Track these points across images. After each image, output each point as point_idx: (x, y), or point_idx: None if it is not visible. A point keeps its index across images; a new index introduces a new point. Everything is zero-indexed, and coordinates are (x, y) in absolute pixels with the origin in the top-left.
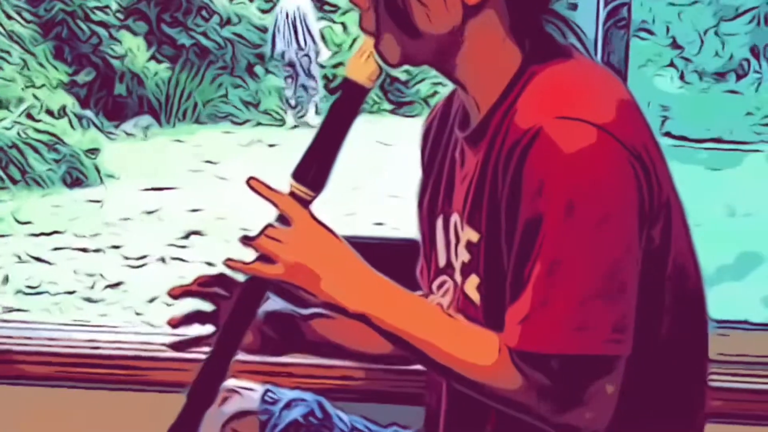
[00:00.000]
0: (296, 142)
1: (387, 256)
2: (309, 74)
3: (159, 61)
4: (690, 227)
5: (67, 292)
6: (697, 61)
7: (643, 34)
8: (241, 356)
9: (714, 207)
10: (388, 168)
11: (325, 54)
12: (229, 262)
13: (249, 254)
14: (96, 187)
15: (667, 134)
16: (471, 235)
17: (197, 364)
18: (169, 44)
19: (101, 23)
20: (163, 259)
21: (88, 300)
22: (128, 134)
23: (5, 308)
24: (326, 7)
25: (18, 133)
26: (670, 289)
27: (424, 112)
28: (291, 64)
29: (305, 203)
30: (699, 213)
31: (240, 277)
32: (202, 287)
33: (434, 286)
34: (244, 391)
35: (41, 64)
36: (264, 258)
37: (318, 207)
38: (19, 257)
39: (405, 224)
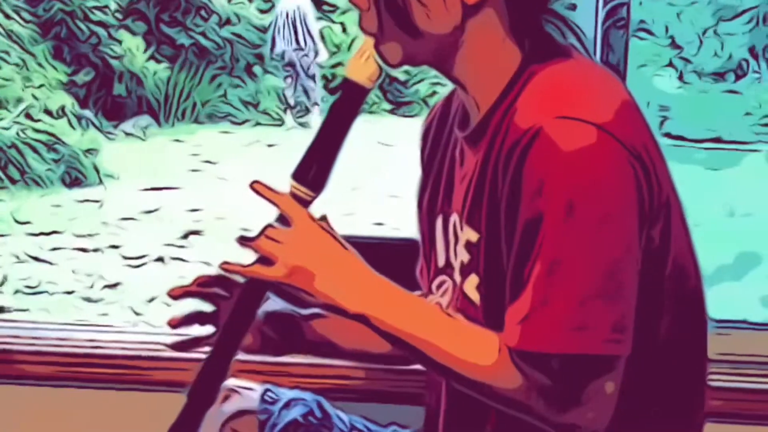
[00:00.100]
0: (295, 142)
1: (386, 256)
2: (308, 74)
3: (158, 61)
4: (689, 227)
5: (66, 292)
6: (696, 61)
7: (642, 34)
8: (240, 356)
9: (713, 207)
10: (387, 168)
11: (324, 55)
12: (225, 266)
13: (247, 255)
14: (95, 187)
15: (667, 134)
16: (470, 234)
17: (197, 364)
18: (168, 44)
19: (100, 23)
20: (162, 259)
21: (87, 300)
22: (127, 134)
23: (4, 308)
24: (325, 7)
25: (17, 133)
26: (670, 289)
27: (423, 112)
28: (291, 64)
29: (305, 204)
30: (698, 213)
31: (240, 278)
32: (202, 287)
33: (433, 285)
34: (244, 391)
35: (40, 64)
36: (263, 259)
37: (317, 207)
38: (18, 257)
39: (404, 224)
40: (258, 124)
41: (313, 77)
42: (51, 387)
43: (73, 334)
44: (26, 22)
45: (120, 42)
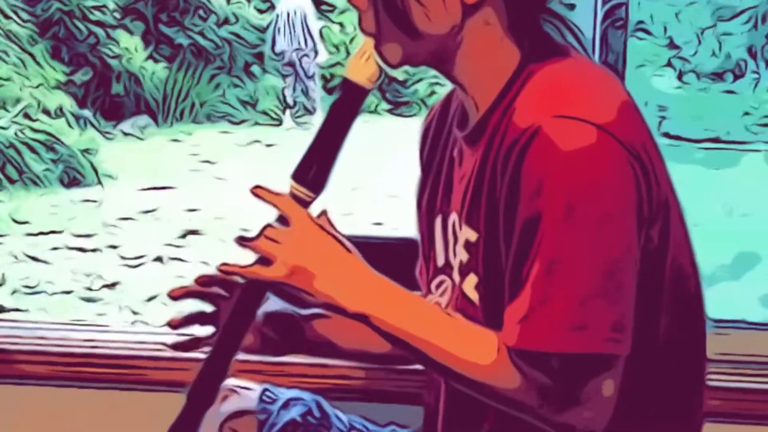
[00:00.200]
0: (294, 142)
1: (386, 255)
2: (308, 75)
3: (156, 61)
4: (688, 227)
5: (64, 292)
6: (695, 62)
7: (640, 34)
8: (240, 356)
9: (712, 207)
10: (386, 168)
11: (324, 56)
12: (223, 267)
13: (246, 255)
14: (93, 187)
15: (665, 134)
16: (469, 234)
17: (197, 364)
18: (166, 44)
19: (98, 23)
20: (160, 259)
21: (86, 300)
22: (126, 134)
23: (3, 308)
24: (324, 7)
25: (15, 133)
26: (669, 288)
27: (421, 112)
28: (290, 64)
29: (305, 204)
30: (697, 213)
31: (240, 278)
32: (202, 287)
33: (433, 285)
34: (242, 391)
35: (38, 64)
36: (263, 259)
37: (317, 207)
38: (17, 257)
39: (403, 224)
40: (256, 123)
41: (312, 77)
42: (49, 387)
43: (73, 334)
44: (24, 21)
45: (118, 42)
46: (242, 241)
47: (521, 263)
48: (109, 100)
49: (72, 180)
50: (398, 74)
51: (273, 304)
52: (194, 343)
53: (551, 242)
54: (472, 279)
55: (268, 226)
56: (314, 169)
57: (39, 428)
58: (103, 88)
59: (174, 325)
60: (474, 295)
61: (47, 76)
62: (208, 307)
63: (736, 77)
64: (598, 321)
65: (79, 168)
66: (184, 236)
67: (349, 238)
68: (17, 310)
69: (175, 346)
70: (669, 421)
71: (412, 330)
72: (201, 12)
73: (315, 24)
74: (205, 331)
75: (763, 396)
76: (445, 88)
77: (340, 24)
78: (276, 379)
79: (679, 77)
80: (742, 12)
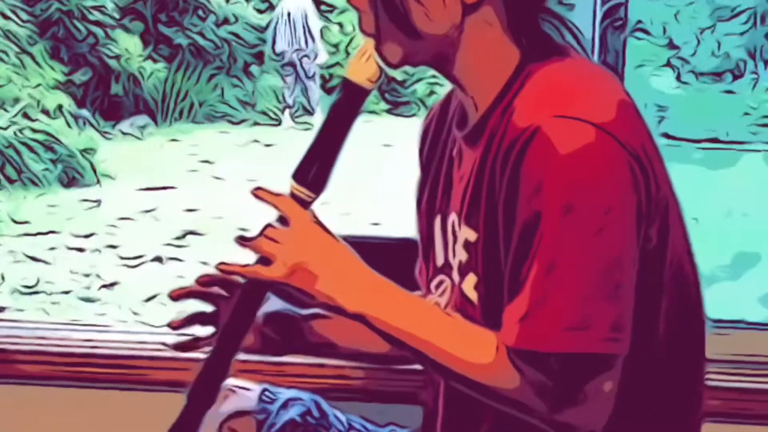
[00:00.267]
0: (293, 142)
1: (385, 255)
2: (308, 75)
3: (155, 61)
4: (687, 227)
5: (63, 292)
6: (694, 62)
7: (639, 35)
8: (240, 356)
9: (711, 207)
10: (385, 168)
11: (324, 57)
12: (222, 266)
13: (245, 255)
14: (92, 187)
15: (664, 134)
16: (468, 234)
17: (197, 364)
18: (165, 44)
19: (97, 23)
20: (159, 259)
21: (85, 299)
22: (125, 134)
23: (2, 308)
24: (323, 7)
25: (14, 133)
26: (668, 288)
27: (420, 112)
28: (291, 64)
29: (305, 204)
30: (696, 213)
31: (240, 278)
32: (202, 287)
33: (432, 285)
34: (241, 391)
35: (38, 64)
36: (263, 259)
37: (316, 207)
38: (16, 257)
39: (403, 224)
40: (255, 123)
41: (313, 77)
42: (48, 387)
43: (73, 334)
44: (23, 21)
45: (117, 42)
46: (242, 240)
47: (520, 263)
48: (108, 100)
49: (71, 180)
50: (397, 74)
51: (273, 304)
52: (194, 343)
53: (550, 242)
54: (471, 279)
55: (269, 225)
56: (314, 170)
57: (39, 428)
58: (102, 88)
59: (174, 326)
60: (473, 295)
61: (46, 76)
62: (208, 308)
63: (735, 77)
64: (597, 321)
65: (78, 168)
66: (183, 236)
67: (348, 239)
68: (16, 309)
69: (176, 347)
70: (668, 421)
71: (411, 330)
72: (200, 12)
73: (316, 24)
74: (205, 331)
75: (762, 396)
76: (444, 88)
77: (340, 24)
78: (275, 379)
79: (678, 77)
80: (741, 12)
